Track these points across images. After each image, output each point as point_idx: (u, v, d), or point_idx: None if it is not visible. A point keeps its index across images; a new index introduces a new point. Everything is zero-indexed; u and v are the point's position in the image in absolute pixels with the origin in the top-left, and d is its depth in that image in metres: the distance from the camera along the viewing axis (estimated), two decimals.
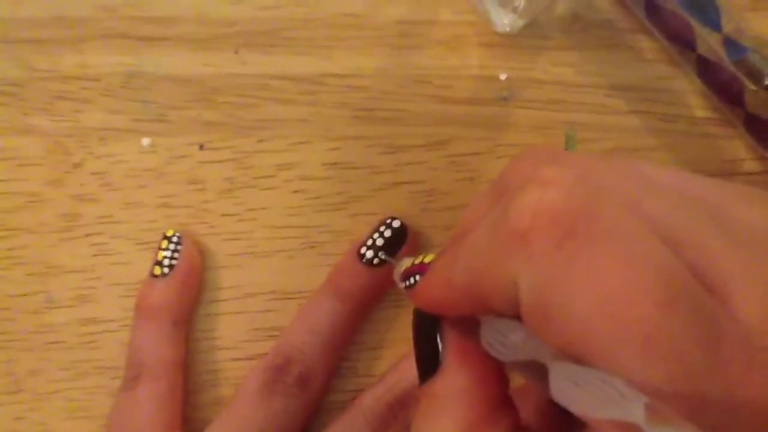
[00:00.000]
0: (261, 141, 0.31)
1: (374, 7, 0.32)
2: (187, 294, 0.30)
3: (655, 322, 0.14)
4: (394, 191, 0.31)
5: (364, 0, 0.32)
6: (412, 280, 0.21)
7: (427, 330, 0.20)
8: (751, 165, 0.31)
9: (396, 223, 0.29)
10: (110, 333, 0.31)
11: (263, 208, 0.31)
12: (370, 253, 0.28)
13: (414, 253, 0.29)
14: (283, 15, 0.32)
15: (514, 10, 0.29)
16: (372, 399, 0.28)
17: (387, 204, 0.31)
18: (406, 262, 0.22)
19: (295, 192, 0.31)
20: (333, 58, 0.32)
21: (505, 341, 0.18)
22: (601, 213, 0.15)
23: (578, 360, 0.15)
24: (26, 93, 0.32)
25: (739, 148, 0.31)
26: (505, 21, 0.30)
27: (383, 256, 0.28)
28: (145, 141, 0.32)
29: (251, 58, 0.32)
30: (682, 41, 0.30)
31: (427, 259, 0.21)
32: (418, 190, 0.31)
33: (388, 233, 0.29)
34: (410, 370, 0.28)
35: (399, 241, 0.29)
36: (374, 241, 0.29)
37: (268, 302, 0.31)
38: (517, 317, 0.16)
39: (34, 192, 0.32)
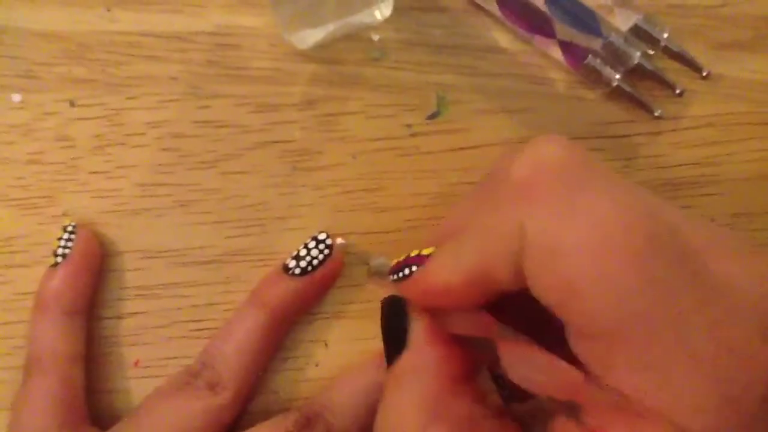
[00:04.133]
0: (131, 98, 0.31)
1: None
2: (80, 284, 0.29)
3: (644, 253, 0.15)
4: (265, 150, 0.31)
5: None
6: (406, 271, 0.21)
7: (395, 315, 0.22)
8: (618, 128, 0.31)
9: (322, 236, 0.29)
10: None
11: (133, 166, 0.31)
12: (292, 263, 0.28)
13: (339, 267, 0.29)
14: None
15: None
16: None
17: (257, 163, 0.31)
18: (380, 260, 0.24)
19: (165, 150, 0.31)
20: (204, 16, 0.32)
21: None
22: (598, 165, 0.17)
23: (569, 302, 0.16)
24: None
25: (608, 111, 0.32)
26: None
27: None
28: (16, 97, 0.31)
29: (122, 15, 0.32)
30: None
31: (425, 252, 0.21)
32: (289, 150, 0.31)
33: (312, 245, 0.29)
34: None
35: (324, 253, 0.29)
36: (298, 252, 0.29)
37: (136, 261, 0.31)
38: (521, 287, 0.18)
39: None
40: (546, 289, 0.17)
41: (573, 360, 0.17)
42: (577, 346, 0.17)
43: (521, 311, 0.18)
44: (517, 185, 0.17)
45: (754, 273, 0.16)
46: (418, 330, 0.21)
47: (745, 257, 0.17)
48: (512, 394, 0.21)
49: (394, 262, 0.23)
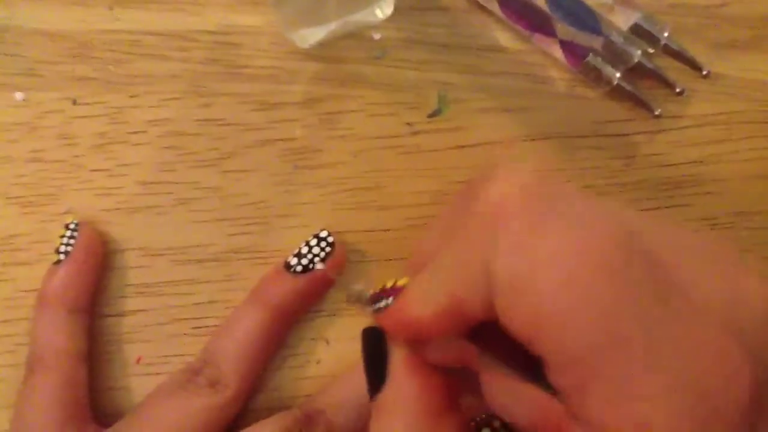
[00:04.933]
0: (133, 96, 0.31)
1: None
2: (83, 281, 0.29)
3: (609, 291, 0.15)
4: (266, 148, 0.31)
5: None
6: (383, 304, 0.21)
7: (375, 347, 0.21)
8: (618, 127, 0.32)
9: (323, 234, 0.29)
10: None
11: (134, 164, 0.31)
12: (294, 261, 0.28)
13: (341, 263, 0.29)
14: None
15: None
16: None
17: (258, 161, 0.31)
18: (358, 287, 0.23)
19: (166, 148, 0.31)
20: (205, 15, 0.32)
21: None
22: (559, 196, 0.17)
23: (540, 337, 0.16)
24: None
25: (608, 110, 0.32)
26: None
27: (318, 266, 0.28)
28: (19, 95, 0.31)
29: (124, 14, 0.32)
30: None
31: (400, 283, 0.21)
32: (290, 148, 0.31)
33: (314, 242, 0.29)
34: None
35: (326, 250, 0.29)
36: (300, 250, 0.29)
37: (138, 258, 0.31)
38: (492, 319, 0.17)
39: None
40: (515, 325, 0.16)
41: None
42: (552, 377, 0.17)
43: (507, 337, 0.17)
44: (481, 220, 0.17)
45: (726, 289, 0.16)
46: (397, 362, 0.21)
47: (717, 269, 0.16)
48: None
49: (371, 292, 0.23)
